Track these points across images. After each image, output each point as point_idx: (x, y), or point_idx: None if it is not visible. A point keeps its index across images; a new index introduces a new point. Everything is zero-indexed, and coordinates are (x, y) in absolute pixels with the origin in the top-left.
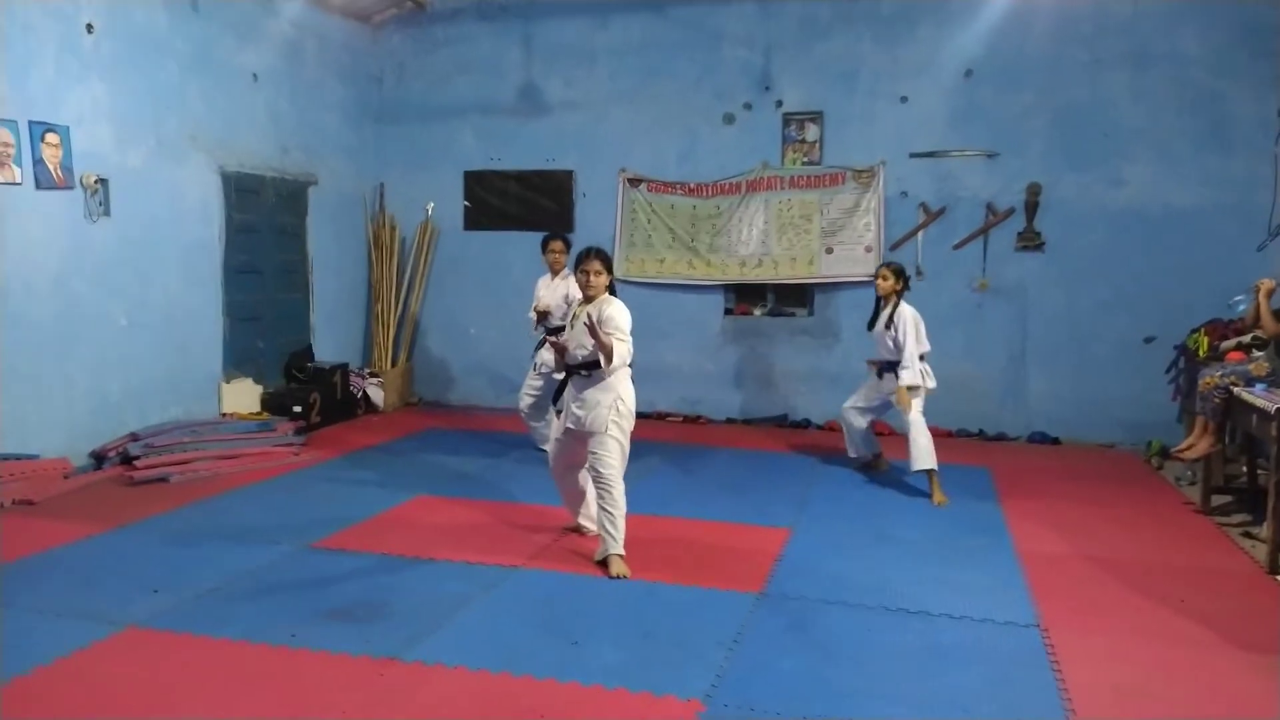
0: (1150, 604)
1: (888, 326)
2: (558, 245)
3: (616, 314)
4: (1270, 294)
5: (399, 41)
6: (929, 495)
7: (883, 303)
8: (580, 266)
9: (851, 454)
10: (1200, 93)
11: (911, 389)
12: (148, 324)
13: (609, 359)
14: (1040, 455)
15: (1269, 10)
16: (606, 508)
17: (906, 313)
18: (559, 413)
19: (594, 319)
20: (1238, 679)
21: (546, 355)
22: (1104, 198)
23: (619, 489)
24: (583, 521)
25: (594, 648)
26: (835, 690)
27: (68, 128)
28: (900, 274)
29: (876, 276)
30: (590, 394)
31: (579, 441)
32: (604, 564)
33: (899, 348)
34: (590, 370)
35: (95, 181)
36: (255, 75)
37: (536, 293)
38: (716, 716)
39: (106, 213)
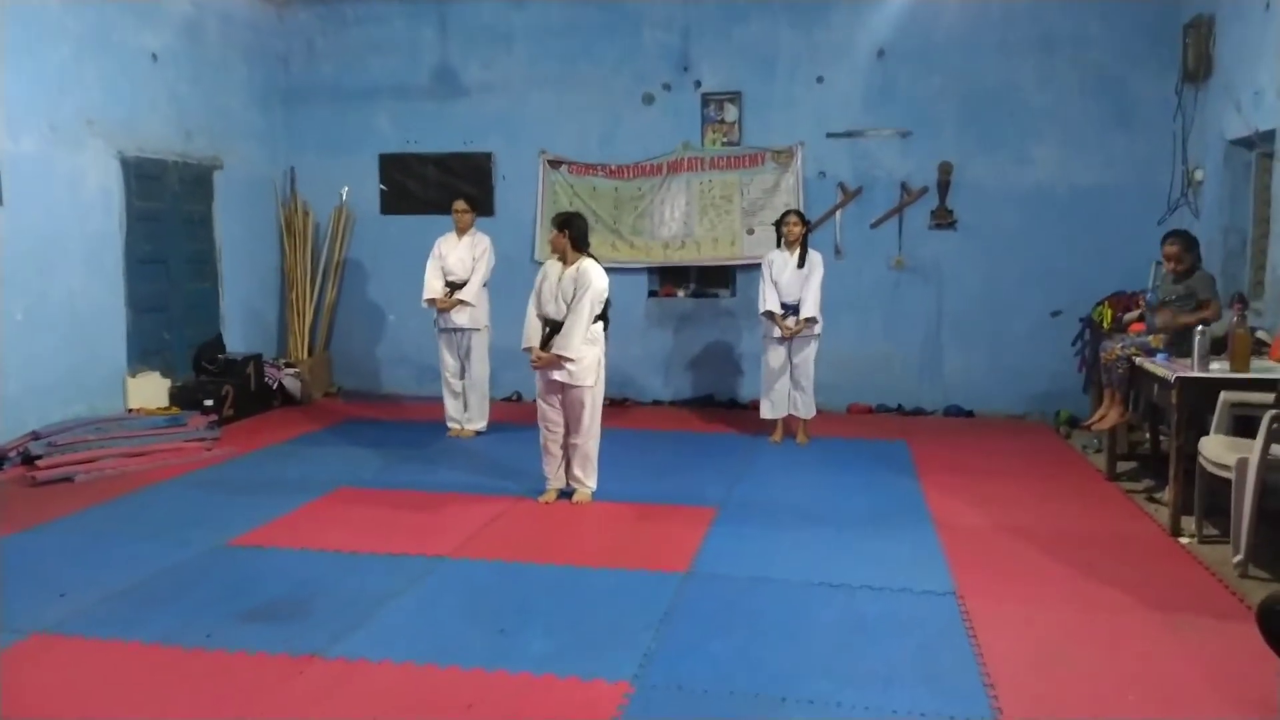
0: (1062, 569)
1: (800, 266)
2: (461, 204)
3: (594, 281)
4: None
5: (306, 20)
6: (795, 438)
7: (790, 247)
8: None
9: (772, 415)
10: (1103, 75)
11: (809, 321)
12: (47, 318)
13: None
14: (956, 428)
15: None
16: (591, 455)
17: (818, 256)
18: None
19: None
20: (1147, 637)
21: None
22: (1012, 177)
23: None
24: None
25: (522, 636)
26: (761, 666)
27: None
28: (805, 219)
29: (783, 223)
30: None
31: (567, 395)
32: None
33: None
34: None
35: None
36: (155, 56)
37: (437, 249)
38: (645, 698)
39: (0, 202)
